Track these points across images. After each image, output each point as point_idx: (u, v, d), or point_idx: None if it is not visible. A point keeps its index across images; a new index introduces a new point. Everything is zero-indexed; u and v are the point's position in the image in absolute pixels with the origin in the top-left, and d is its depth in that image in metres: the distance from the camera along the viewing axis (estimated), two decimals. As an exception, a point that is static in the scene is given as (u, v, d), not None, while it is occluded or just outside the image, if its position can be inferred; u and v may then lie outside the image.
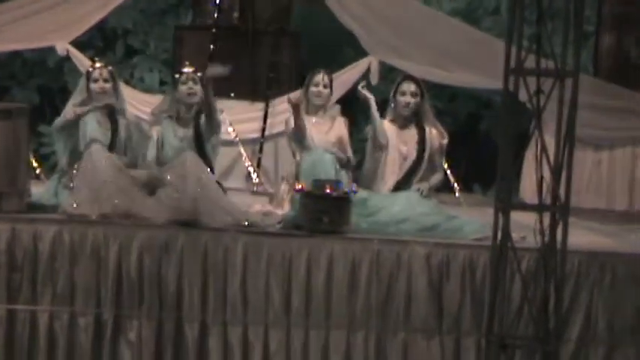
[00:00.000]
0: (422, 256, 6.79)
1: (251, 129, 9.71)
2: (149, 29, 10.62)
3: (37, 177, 9.12)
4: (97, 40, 10.53)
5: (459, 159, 9.83)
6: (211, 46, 9.77)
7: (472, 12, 10.73)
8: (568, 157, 6.13)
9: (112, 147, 7.24)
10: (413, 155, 7.48)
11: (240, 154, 9.56)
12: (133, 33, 10.61)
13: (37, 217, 6.82)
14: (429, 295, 6.77)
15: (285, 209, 7.26)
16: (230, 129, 9.44)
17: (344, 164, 7.46)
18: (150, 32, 10.61)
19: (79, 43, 10.01)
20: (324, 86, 7.64)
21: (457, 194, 9.59)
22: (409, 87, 7.51)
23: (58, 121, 7.31)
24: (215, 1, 9.90)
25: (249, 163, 9.53)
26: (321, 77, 7.63)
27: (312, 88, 7.62)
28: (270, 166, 9.68)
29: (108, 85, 7.32)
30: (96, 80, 7.30)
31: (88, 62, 8.74)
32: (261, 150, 9.64)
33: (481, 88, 9.97)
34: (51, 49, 9.73)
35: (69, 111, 7.23)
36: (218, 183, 7.21)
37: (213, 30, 9.84)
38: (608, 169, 9.86)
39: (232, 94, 9.77)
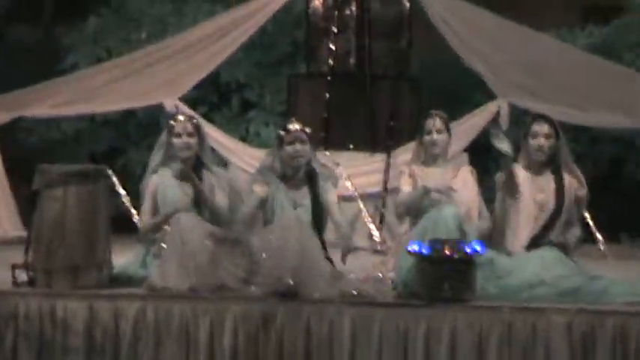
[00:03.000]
0: (562, 326, 5.47)
1: (372, 182, 8.63)
2: (264, 81, 9.64)
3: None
4: (211, 96, 9.57)
5: (602, 206, 8.45)
6: (327, 95, 8.74)
7: (610, 47, 9.41)
8: None
9: (195, 207, 6.13)
10: (551, 205, 6.12)
11: (360, 210, 8.37)
12: (248, 86, 9.63)
13: (118, 293, 5.73)
14: (572, 373, 5.45)
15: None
16: (348, 183, 8.30)
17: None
18: (265, 84, 9.65)
19: (192, 100, 9.23)
20: (438, 131, 6.35)
21: (601, 246, 8.17)
22: (542, 128, 6.17)
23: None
24: (330, 48, 8.78)
25: (371, 220, 8.32)
26: (432, 122, 6.35)
27: (426, 137, 6.36)
28: (394, 222, 8.41)
29: (193, 141, 6.19)
30: (179, 135, 6.19)
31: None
32: (384, 205, 8.47)
33: (625, 129, 8.65)
34: (161, 108, 8.77)
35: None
36: (323, 246, 5.98)
37: (329, 77, 8.79)
38: None
39: (351, 146, 8.80)
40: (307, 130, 6.20)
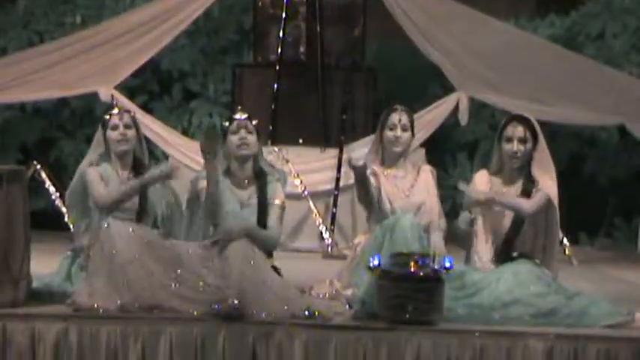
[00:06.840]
0: (540, 353, 4.74)
1: (323, 180, 7.84)
2: (208, 70, 8.78)
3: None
4: (151, 84, 8.72)
5: (560, 205, 7.73)
6: (275, 86, 7.98)
7: (572, 38, 8.73)
8: None
9: (140, 213, 5.33)
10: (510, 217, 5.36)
11: (311, 210, 7.58)
12: (191, 75, 8.78)
13: (35, 313, 4.88)
14: (551, 407, 4.72)
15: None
16: (297, 181, 7.55)
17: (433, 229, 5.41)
18: (209, 73, 8.81)
19: (131, 88, 8.42)
20: (403, 128, 5.56)
21: (567, 251, 7.46)
22: (516, 131, 5.35)
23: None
24: (278, 35, 7.99)
25: (321, 221, 7.52)
26: (397, 118, 5.56)
27: (388, 133, 5.56)
28: (347, 223, 7.76)
29: (131, 132, 5.37)
30: (115, 127, 5.35)
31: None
32: (335, 204, 7.69)
33: (587, 125, 7.99)
34: (97, 97, 7.96)
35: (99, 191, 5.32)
36: (274, 267, 5.23)
37: (277, 67, 8.02)
38: None
39: (300, 141, 8.02)
40: (254, 121, 5.42)
